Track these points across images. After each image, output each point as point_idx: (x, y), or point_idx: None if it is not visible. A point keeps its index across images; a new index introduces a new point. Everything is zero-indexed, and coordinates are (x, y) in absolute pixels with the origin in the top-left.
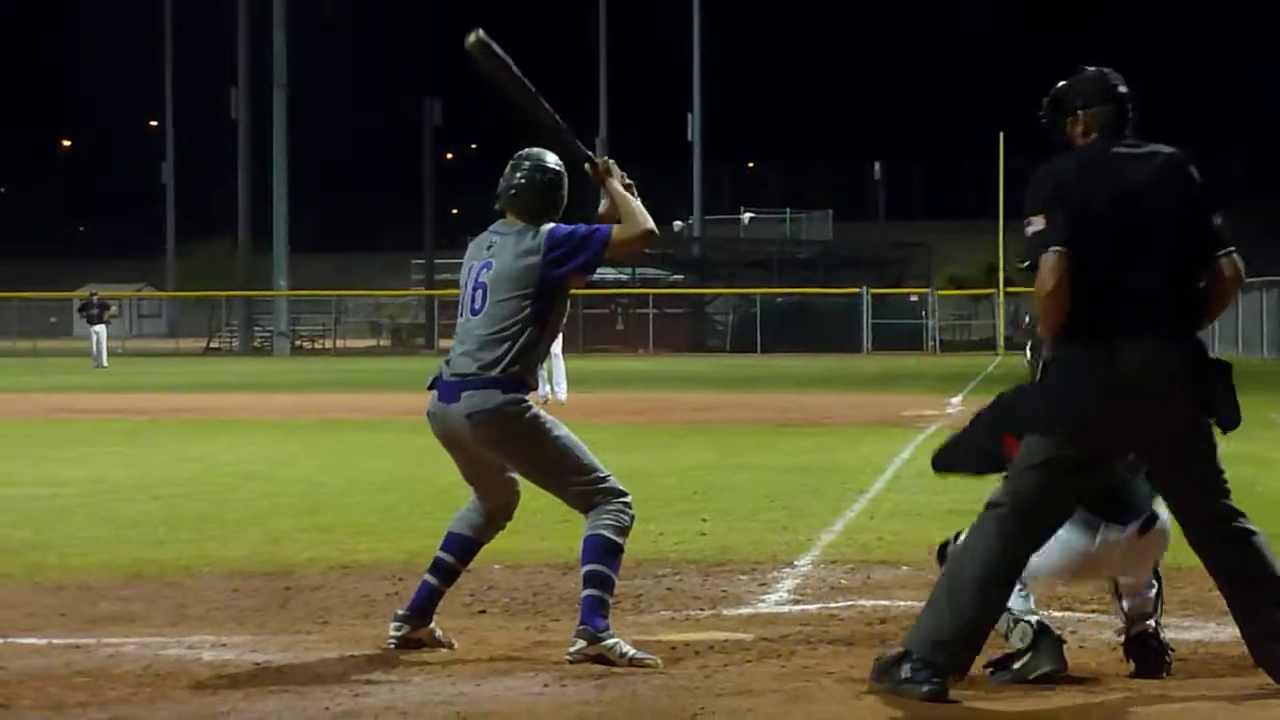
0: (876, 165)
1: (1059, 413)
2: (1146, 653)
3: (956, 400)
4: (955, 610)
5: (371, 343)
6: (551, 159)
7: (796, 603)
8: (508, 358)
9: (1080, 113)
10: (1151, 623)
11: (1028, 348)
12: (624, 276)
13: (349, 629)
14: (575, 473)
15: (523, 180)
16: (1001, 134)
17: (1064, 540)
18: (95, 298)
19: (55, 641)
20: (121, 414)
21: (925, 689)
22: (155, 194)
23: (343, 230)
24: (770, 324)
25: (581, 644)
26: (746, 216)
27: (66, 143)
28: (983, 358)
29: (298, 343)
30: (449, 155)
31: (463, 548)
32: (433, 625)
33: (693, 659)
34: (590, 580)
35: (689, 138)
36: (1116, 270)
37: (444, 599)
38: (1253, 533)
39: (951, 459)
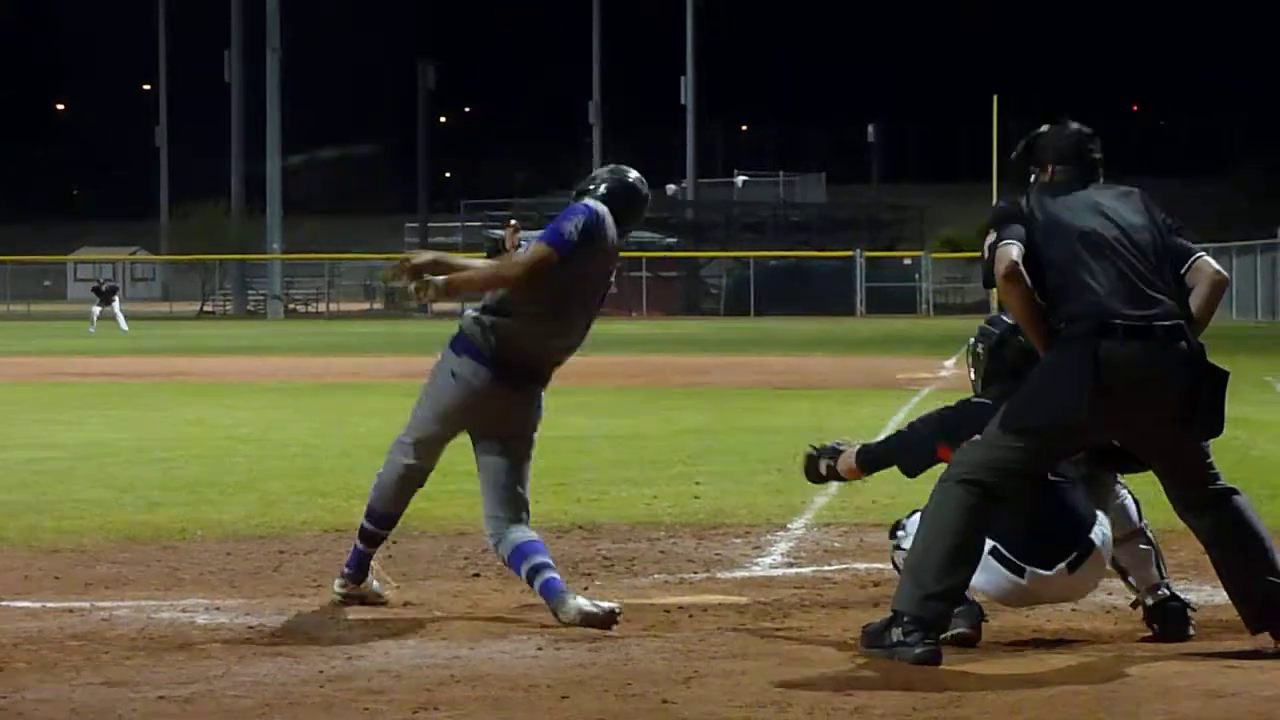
0: (870, 128)
1: (1041, 406)
2: (1169, 615)
3: (950, 363)
4: (933, 576)
5: (365, 306)
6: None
7: (790, 566)
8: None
9: (1051, 166)
10: (1164, 588)
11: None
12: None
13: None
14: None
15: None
16: (995, 96)
17: (995, 575)
18: (105, 284)
19: (50, 605)
20: (116, 377)
21: (919, 650)
22: (149, 157)
23: (337, 193)
24: (764, 287)
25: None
26: (740, 179)
27: (60, 106)
28: (976, 321)
29: (291, 306)
30: (443, 119)
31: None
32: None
33: (687, 622)
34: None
35: (682, 101)
36: (1095, 276)
37: (437, 563)
38: (1236, 494)
39: (878, 461)
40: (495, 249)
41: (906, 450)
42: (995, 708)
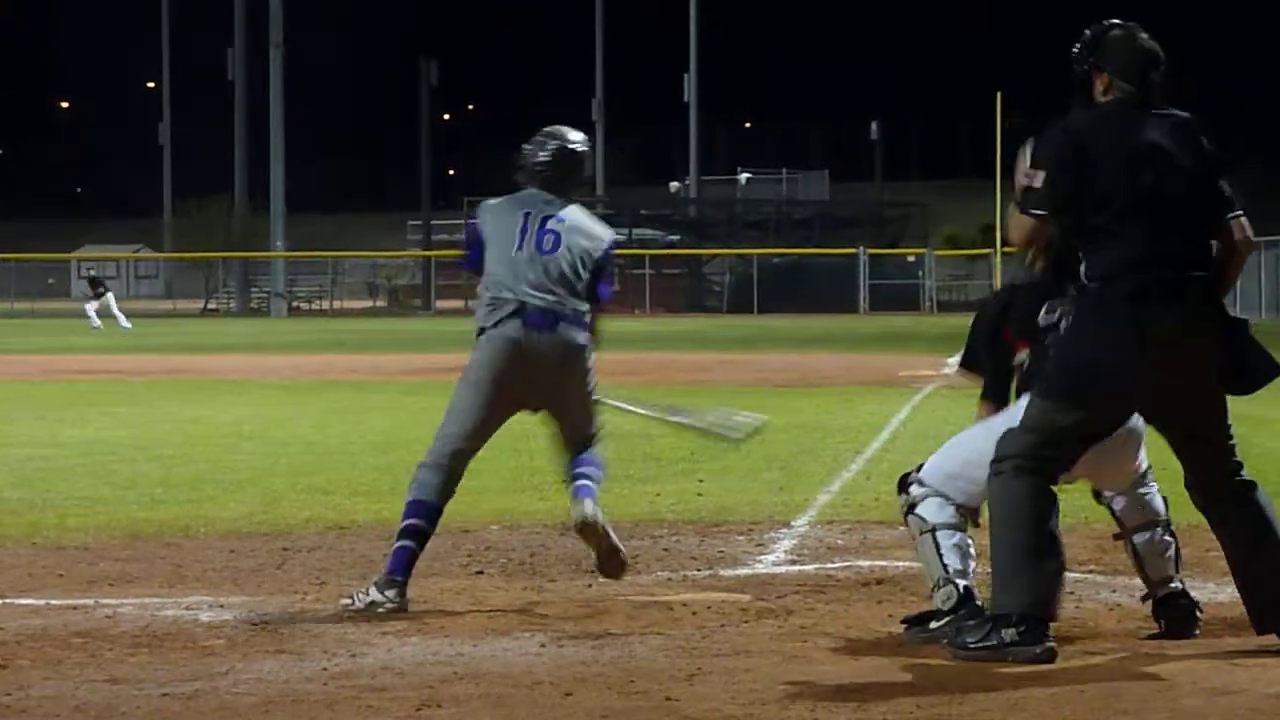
0: (873, 125)
1: (1086, 371)
2: (1177, 612)
3: (953, 360)
4: (1025, 575)
5: (368, 303)
6: (575, 135)
7: (793, 563)
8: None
9: (1110, 78)
10: (1176, 583)
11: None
12: (621, 237)
13: (346, 589)
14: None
15: (549, 158)
16: (999, 93)
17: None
18: (92, 274)
19: (53, 602)
20: (119, 375)
21: (1039, 650)
22: (152, 155)
23: (340, 191)
24: (767, 284)
25: None
26: (743, 177)
27: (64, 104)
28: None
29: (295, 304)
30: (446, 116)
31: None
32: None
33: (690, 619)
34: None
35: (685, 98)
36: (1136, 230)
37: (440, 560)
38: (1256, 488)
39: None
40: None
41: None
42: (998, 705)
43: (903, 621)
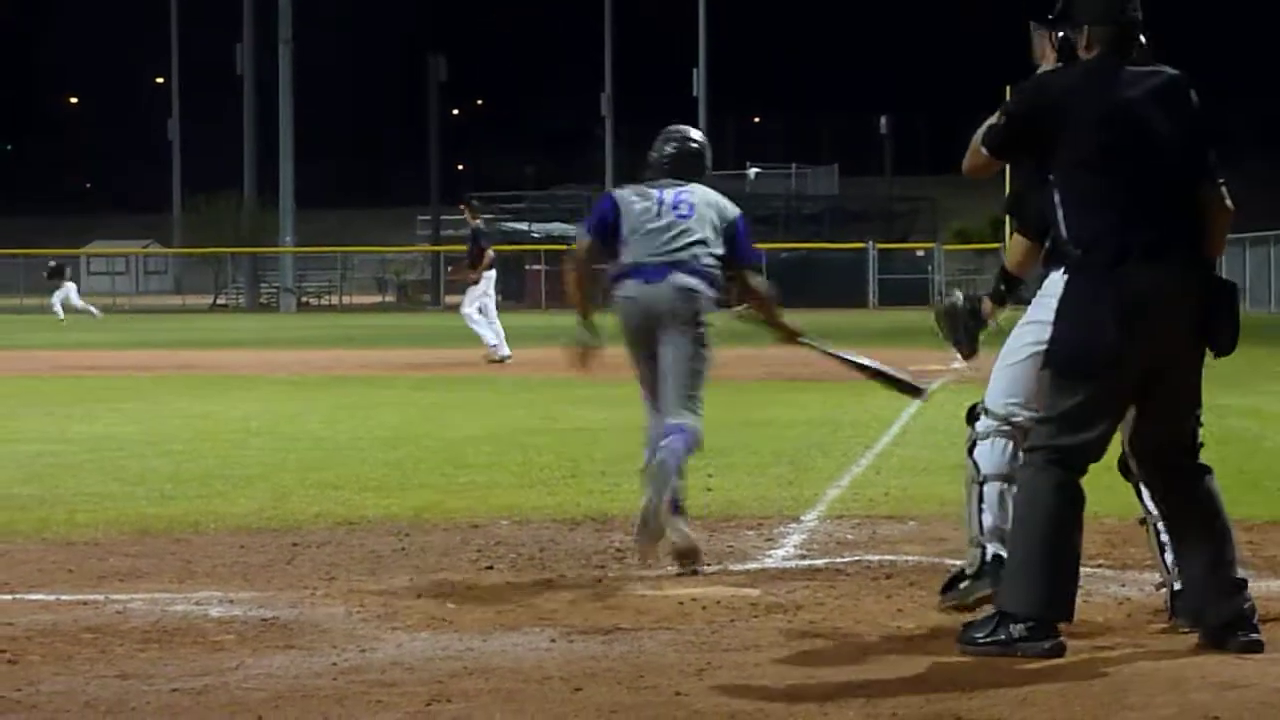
0: (883, 119)
1: (1079, 347)
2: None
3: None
4: (1041, 571)
5: (377, 299)
6: (694, 132)
7: (803, 558)
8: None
9: (1087, 30)
10: None
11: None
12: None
13: (356, 585)
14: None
15: (673, 151)
16: (1008, 87)
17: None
18: (53, 265)
19: (63, 598)
20: (128, 370)
21: (1048, 645)
22: (161, 150)
23: (348, 186)
24: (776, 279)
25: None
26: (752, 171)
27: (73, 100)
28: None
29: (304, 299)
30: (455, 111)
31: None
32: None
33: (699, 614)
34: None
35: (694, 93)
36: (1114, 191)
37: (450, 555)
38: (1210, 473)
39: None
40: (473, 236)
41: None
42: (1007, 700)
43: (940, 592)
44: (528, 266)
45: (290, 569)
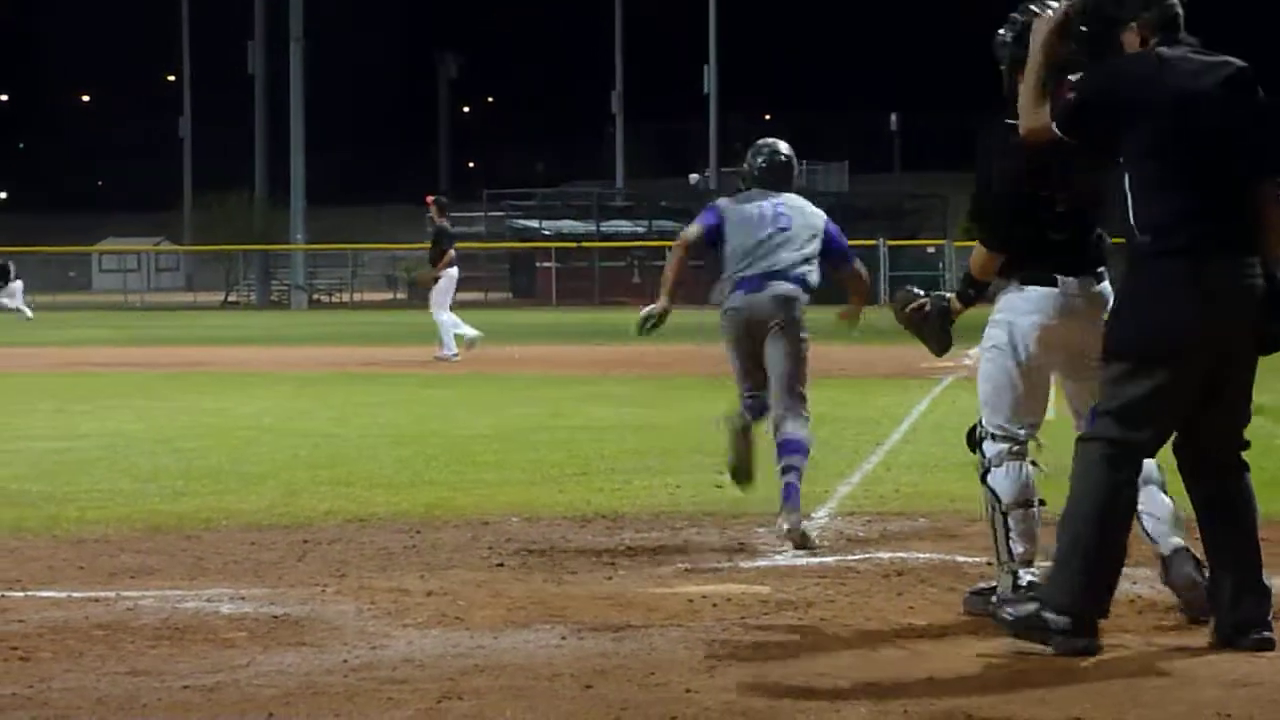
0: (893, 116)
1: (1158, 332)
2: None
3: (973, 352)
4: (1084, 558)
5: (388, 296)
6: (783, 146)
7: (813, 555)
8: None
9: (1133, 23)
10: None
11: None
12: (640, 229)
13: (367, 581)
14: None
15: (765, 163)
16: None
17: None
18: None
19: (74, 594)
20: (139, 367)
21: (1082, 643)
22: (173, 148)
23: (359, 183)
24: None
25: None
26: None
27: (85, 97)
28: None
29: (315, 296)
30: (465, 108)
31: None
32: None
33: (709, 611)
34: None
35: (705, 90)
36: (1187, 180)
37: (460, 552)
38: (1247, 469)
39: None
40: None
41: None
42: (1019, 699)
43: (969, 593)
44: (538, 264)
45: (301, 566)
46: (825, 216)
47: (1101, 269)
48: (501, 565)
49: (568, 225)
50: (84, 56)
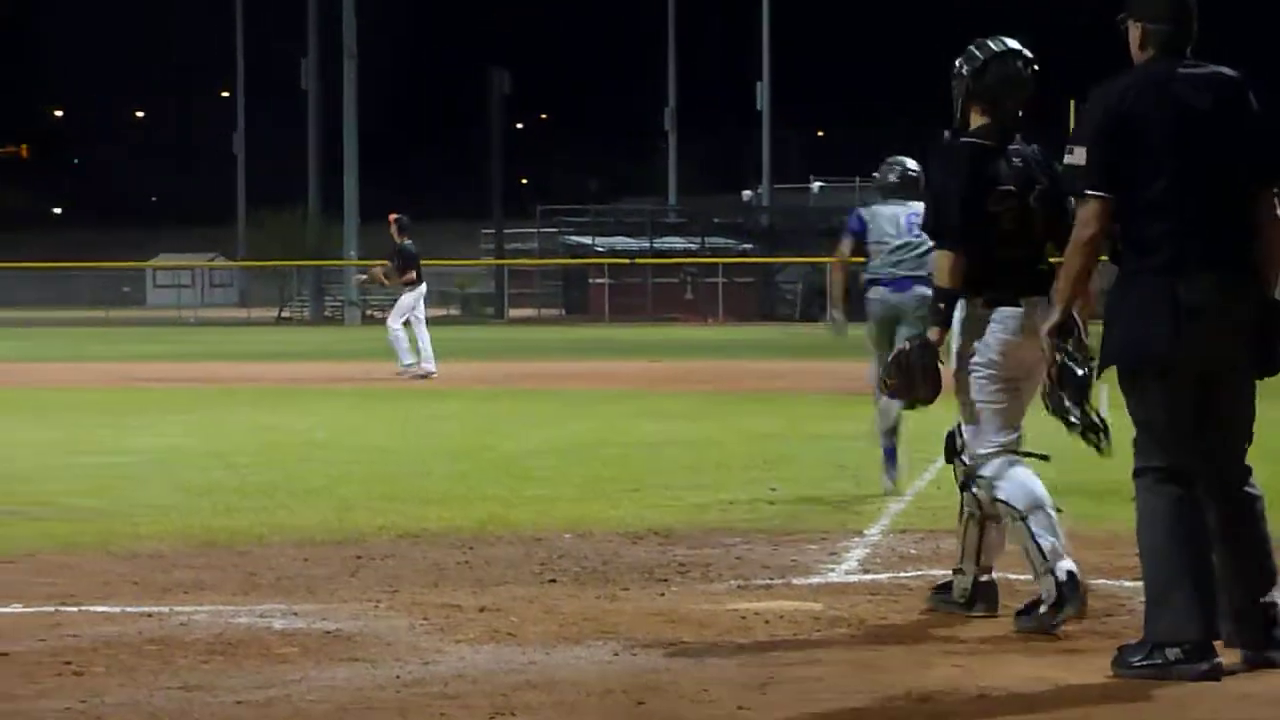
0: (946, 133)
1: (1135, 349)
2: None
3: None
4: (1177, 588)
5: (441, 312)
6: (911, 162)
7: (866, 572)
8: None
9: (1143, 25)
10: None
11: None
12: (693, 246)
13: (419, 597)
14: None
15: (896, 179)
16: (1072, 101)
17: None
18: None
19: (128, 609)
20: (193, 383)
21: (1205, 667)
22: (226, 163)
23: (412, 199)
24: None
25: None
26: (816, 185)
27: (139, 113)
28: None
29: (368, 312)
30: (518, 124)
31: None
32: None
33: (762, 628)
34: None
35: (758, 106)
36: (1174, 199)
37: (513, 568)
38: (1258, 497)
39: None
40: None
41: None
42: (1070, 716)
43: (1016, 615)
44: (591, 280)
45: (354, 581)
46: None
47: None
48: (554, 581)
49: (621, 241)
50: (138, 72)
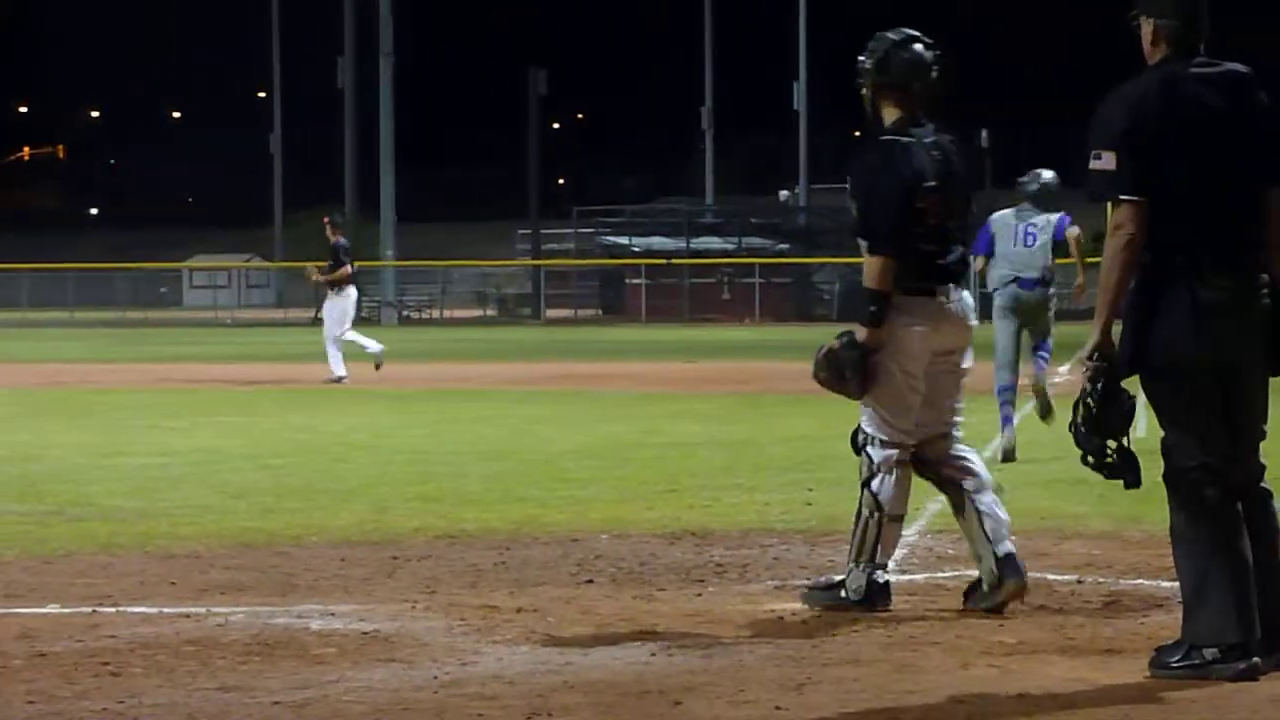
0: (984, 132)
1: (1159, 360)
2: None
3: (1064, 369)
4: (1214, 589)
5: (478, 312)
6: (1047, 173)
7: (903, 572)
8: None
9: (1153, 23)
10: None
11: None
12: (730, 246)
13: (456, 598)
14: None
15: (1036, 189)
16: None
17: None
18: None
19: (165, 610)
20: (230, 384)
21: (1242, 667)
22: (263, 164)
23: (449, 200)
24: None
25: None
26: None
27: (175, 114)
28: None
29: (405, 313)
30: (555, 125)
31: None
32: None
33: (799, 628)
34: None
35: (795, 106)
36: (1191, 201)
37: (549, 569)
38: (1270, 495)
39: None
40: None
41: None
42: (1109, 716)
43: (964, 595)
44: (628, 280)
45: (390, 582)
46: (1060, 214)
47: (963, 279)
48: (591, 582)
49: (658, 242)
50: (175, 73)
